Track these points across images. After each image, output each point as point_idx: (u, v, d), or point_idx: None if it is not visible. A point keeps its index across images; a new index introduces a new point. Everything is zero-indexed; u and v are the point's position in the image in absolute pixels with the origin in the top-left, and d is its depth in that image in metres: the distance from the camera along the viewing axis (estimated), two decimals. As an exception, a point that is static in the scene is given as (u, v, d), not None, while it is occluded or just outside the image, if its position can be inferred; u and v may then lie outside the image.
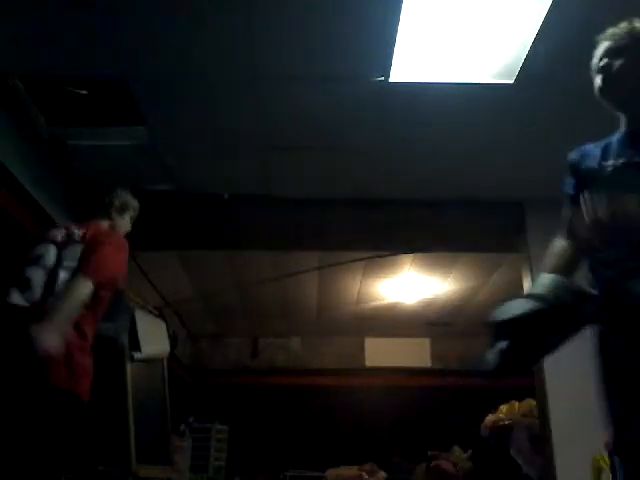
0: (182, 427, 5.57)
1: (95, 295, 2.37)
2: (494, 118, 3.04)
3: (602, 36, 1.61)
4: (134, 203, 2.91)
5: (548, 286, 1.44)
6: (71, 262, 2.42)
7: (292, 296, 6.08)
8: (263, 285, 5.64)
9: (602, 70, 1.54)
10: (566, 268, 1.57)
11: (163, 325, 4.68)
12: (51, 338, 2.16)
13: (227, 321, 7.03)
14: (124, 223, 2.91)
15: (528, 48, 2.53)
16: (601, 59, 1.56)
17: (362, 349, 7.54)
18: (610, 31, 1.60)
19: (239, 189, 3.83)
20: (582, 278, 1.57)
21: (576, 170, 1.62)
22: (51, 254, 2.47)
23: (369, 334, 7.48)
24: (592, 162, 1.57)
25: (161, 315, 4.84)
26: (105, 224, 2.79)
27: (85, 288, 2.30)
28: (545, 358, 1.56)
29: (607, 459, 2.29)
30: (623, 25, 1.60)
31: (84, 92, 2.87)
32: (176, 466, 4.59)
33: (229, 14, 2.37)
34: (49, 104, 3.01)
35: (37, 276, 2.40)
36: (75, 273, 2.37)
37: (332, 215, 3.94)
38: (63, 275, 2.39)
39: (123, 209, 2.87)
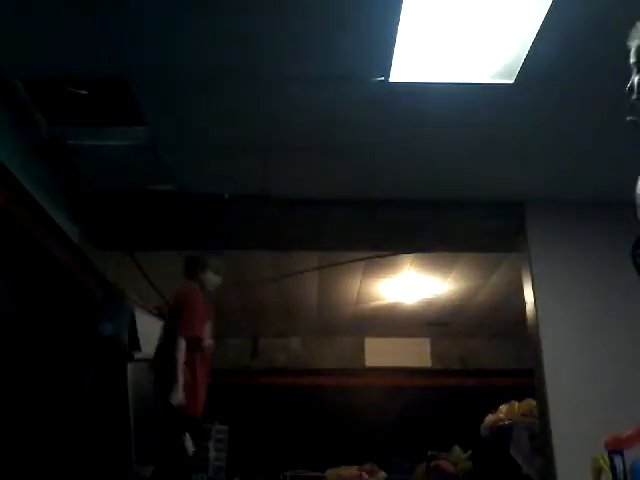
0: (182, 427, 5.56)
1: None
2: (494, 118, 3.03)
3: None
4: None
5: None
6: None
7: (292, 296, 6.09)
8: (263, 285, 5.64)
9: None
10: None
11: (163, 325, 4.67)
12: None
13: (227, 321, 7.02)
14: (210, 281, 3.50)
15: (528, 48, 2.53)
16: None
17: (362, 349, 7.54)
18: None
19: (239, 189, 3.83)
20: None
21: None
22: None
23: (369, 334, 7.48)
24: None
25: (161, 315, 4.84)
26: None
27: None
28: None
29: (607, 459, 2.29)
30: None
31: (84, 92, 2.87)
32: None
33: (229, 14, 2.37)
34: (49, 104, 3.01)
35: None
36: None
37: (332, 215, 3.94)
38: None
39: (201, 268, 3.47)
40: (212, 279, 3.47)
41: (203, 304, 3.36)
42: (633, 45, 1.55)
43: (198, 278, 3.44)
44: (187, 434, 3.13)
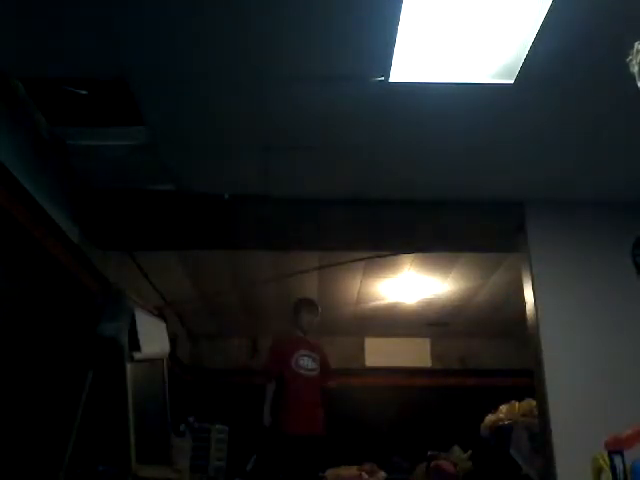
0: (182, 427, 5.57)
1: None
2: (494, 118, 3.03)
3: None
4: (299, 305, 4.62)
5: None
6: None
7: (292, 296, 6.08)
8: (263, 285, 5.65)
9: None
10: None
11: (163, 325, 4.68)
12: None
13: (227, 321, 7.03)
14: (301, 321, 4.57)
15: (528, 48, 2.53)
16: None
17: (362, 349, 7.55)
18: None
19: (239, 189, 3.82)
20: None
21: None
22: None
23: (369, 334, 7.48)
24: None
25: (161, 315, 4.84)
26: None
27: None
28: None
29: (607, 459, 2.28)
30: None
31: (84, 92, 2.87)
32: (176, 466, 4.59)
33: (229, 14, 2.37)
34: (49, 104, 3.01)
35: None
36: None
37: (332, 215, 3.94)
38: None
39: (296, 311, 4.60)
40: (306, 317, 4.54)
41: (286, 343, 4.53)
42: (636, 71, 1.57)
43: (296, 318, 4.54)
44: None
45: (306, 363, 4.40)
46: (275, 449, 4.25)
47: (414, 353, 7.48)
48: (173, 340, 5.34)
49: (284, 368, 4.37)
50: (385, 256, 4.89)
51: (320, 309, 4.66)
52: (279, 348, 4.54)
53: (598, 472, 2.33)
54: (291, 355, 4.39)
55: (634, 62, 1.62)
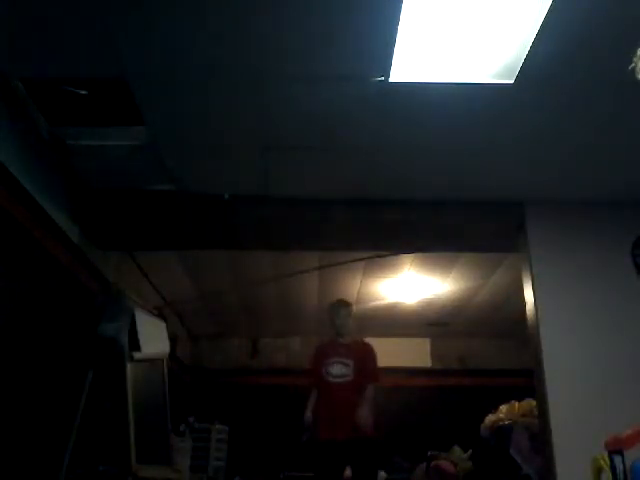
0: (182, 427, 5.58)
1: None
2: (494, 118, 3.03)
3: None
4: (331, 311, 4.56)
5: None
6: None
7: (292, 296, 6.09)
8: (263, 285, 5.65)
9: None
10: None
11: (163, 325, 4.68)
12: None
13: (227, 321, 7.03)
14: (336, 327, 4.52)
15: (528, 48, 2.53)
16: None
17: (362, 349, 7.53)
18: None
19: (239, 189, 3.82)
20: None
21: None
22: None
23: (369, 334, 7.46)
24: None
25: (161, 315, 4.84)
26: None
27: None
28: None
29: (607, 459, 2.29)
30: None
31: (84, 92, 2.87)
32: (176, 466, 4.60)
33: (229, 14, 2.37)
34: (49, 104, 3.01)
35: None
36: None
37: (332, 215, 3.93)
38: None
39: (329, 317, 4.55)
40: (336, 319, 4.50)
41: (322, 349, 4.53)
42: None
43: (331, 323, 4.52)
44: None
45: (336, 370, 4.35)
46: (309, 456, 4.30)
47: (414, 353, 7.48)
48: (173, 340, 5.35)
49: (317, 377, 4.40)
50: (385, 256, 4.89)
51: (351, 306, 4.62)
52: (314, 356, 4.57)
53: (598, 472, 2.33)
54: (321, 364, 4.40)
55: (638, 69, 1.61)
